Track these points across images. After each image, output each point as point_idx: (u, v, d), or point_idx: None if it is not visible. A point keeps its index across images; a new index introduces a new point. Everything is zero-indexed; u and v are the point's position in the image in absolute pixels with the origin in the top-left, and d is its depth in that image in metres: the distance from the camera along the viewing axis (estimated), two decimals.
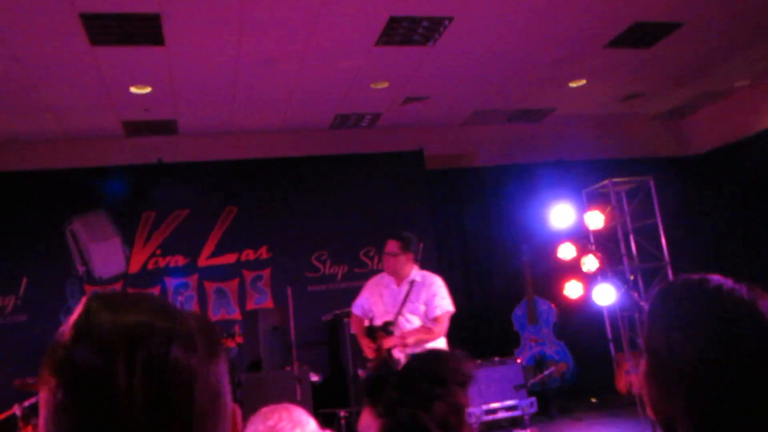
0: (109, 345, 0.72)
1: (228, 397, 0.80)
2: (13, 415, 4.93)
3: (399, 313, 4.72)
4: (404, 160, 8.07)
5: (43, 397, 0.73)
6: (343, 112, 7.61)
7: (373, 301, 4.90)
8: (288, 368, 5.98)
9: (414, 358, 1.78)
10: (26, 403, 4.86)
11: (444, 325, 4.70)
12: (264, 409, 2.02)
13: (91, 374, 0.70)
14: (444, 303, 4.72)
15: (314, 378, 6.01)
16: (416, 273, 4.82)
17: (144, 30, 5.05)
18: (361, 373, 5.30)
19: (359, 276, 7.14)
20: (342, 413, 6.01)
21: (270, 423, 1.94)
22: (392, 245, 4.80)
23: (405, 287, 4.78)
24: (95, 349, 0.72)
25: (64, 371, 0.72)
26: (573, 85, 7.43)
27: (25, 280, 6.83)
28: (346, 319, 6.46)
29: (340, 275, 7.65)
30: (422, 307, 4.73)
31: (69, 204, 7.14)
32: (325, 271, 7.65)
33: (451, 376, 1.61)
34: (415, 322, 4.72)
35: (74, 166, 7.23)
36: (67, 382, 0.71)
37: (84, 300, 0.77)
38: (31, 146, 7.36)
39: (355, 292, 5.19)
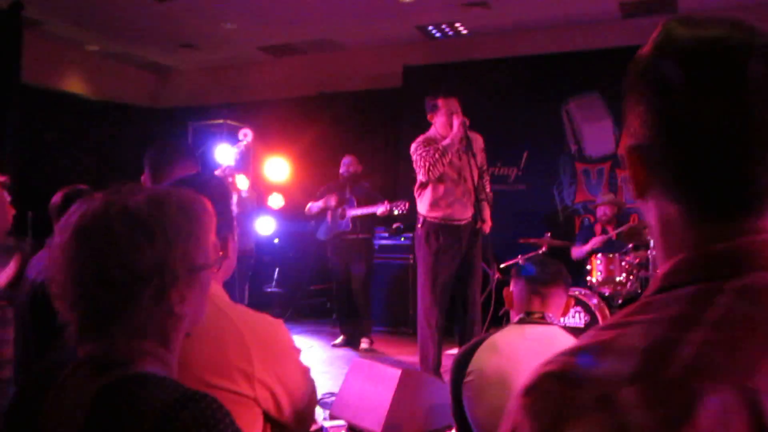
0: (690, 56, 0.74)
1: None
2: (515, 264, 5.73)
3: None
4: None
5: (632, 107, 0.80)
6: None
7: None
8: None
9: None
10: (527, 256, 5.63)
11: None
12: None
13: (673, 85, 0.74)
14: None
15: None
16: None
17: None
18: None
19: None
20: None
21: None
22: None
23: None
24: (676, 60, 0.75)
25: (647, 81, 0.78)
26: None
27: (526, 154, 7.69)
28: None
29: None
30: None
31: (566, 85, 7.62)
32: None
33: None
34: None
35: (572, 49, 7.65)
36: (650, 92, 0.77)
37: (662, 24, 0.81)
38: (534, 32, 8.02)
39: None
